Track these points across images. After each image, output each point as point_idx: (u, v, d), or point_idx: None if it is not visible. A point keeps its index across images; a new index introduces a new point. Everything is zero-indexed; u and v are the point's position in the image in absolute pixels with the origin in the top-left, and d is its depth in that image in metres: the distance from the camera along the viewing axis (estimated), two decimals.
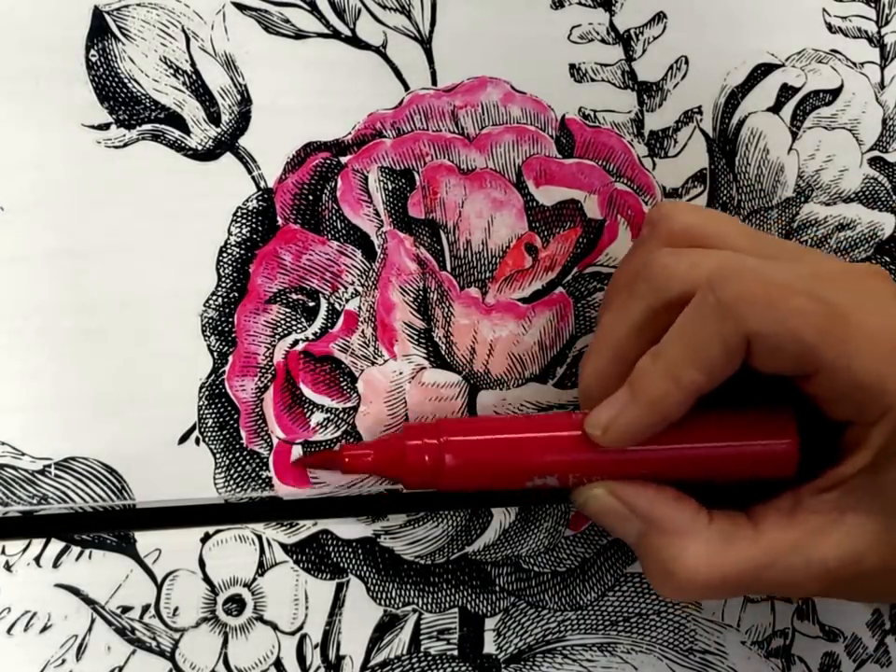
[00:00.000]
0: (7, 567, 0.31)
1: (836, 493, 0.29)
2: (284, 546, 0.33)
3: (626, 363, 0.30)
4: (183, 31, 0.32)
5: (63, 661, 0.32)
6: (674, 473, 0.31)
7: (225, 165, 0.33)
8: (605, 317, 0.32)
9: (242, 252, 0.33)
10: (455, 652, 0.35)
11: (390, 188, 0.34)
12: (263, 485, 0.33)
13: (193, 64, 0.33)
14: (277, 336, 0.33)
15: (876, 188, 0.38)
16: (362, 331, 0.34)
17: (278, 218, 0.33)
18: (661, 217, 0.32)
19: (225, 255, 0.33)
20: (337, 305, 0.34)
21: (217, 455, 0.33)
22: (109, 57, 0.32)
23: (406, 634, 0.35)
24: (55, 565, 0.32)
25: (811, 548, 0.29)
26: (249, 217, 0.33)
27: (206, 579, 0.33)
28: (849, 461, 0.29)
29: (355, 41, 0.34)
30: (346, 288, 0.34)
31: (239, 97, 0.33)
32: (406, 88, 0.34)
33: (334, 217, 0.34)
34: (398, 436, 0.33)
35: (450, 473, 0.31)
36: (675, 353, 0.29)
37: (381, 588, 0.34)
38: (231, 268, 0.33)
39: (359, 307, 0.34)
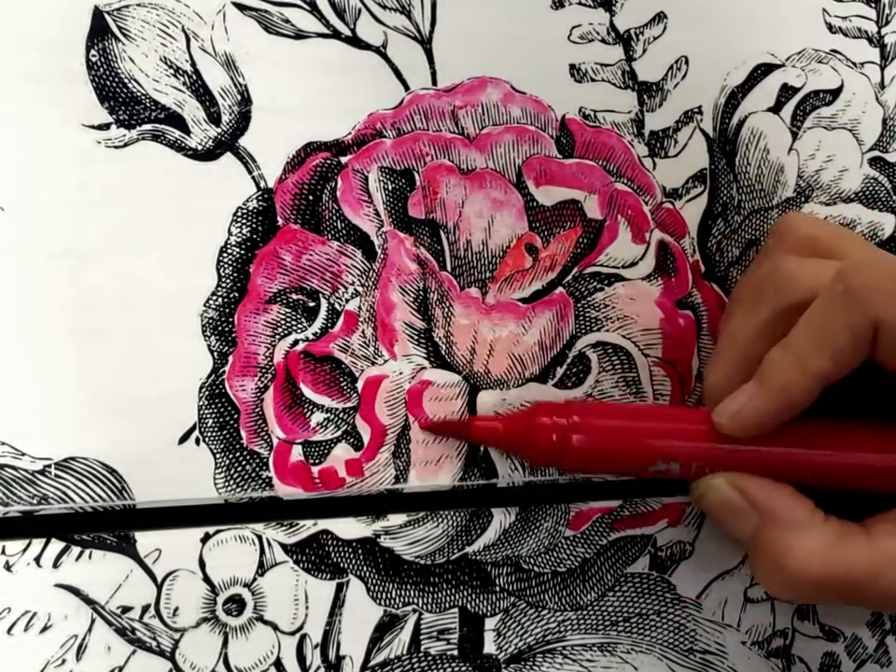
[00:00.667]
0: (7, 567, 0.31)
1: None
2: (284, 546, 0.34)
3: (751, 365, 0.31)
4: (183, 31, 0.32)
5: (63, 661, 0.32)
6: (793, 474, 0.31)
7: (225, 165, 0.33)
8: (730, 322, 0.33)
9: (242, 252, 0.33)
10: (455, 652, 0.35)
11: (390, 188, 0.34)
12: (263, 485, 0.33)
13: (193, 64, 0.33)
14: (277, 336, 0.33)
15: (876, 188, 0.38)
16: (362, 331, 0.34)
17: (278, 218, 0.33)
18: (786, 228, 0.33)
19: (225, 255, 0.33)
20: (337, 305, 0.34)
21: (217, 455, 0.33)
22: (109, 57, 0.32)
23: (406, 634, 0.35)
24: (55, 565, 0.32)
25: None
26: (249, 217, 0.33)
27: (206, 579, 0.33)
28: None
29: (355, 41, 0.34)
30: (346, 288, 0.34)
31: (239, 97, 0.33)
32: (406, 88, 0.34)
33: (334, 217, 0.34)
34: (526, 412, 0.33)
35: (576, 454, 0.32)
36: (803, 341, 0.29)
37: (381, 588, 0.34)
38: (231, 268, 0.33)
39: (359, 307, 0.34)
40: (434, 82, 0.34)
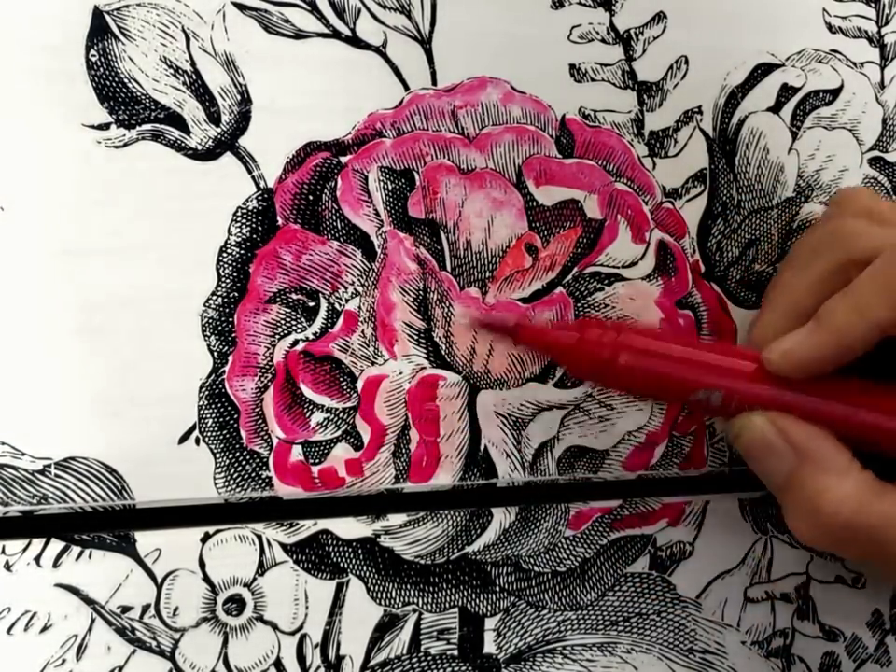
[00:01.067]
0: (7, 566, 0.31)
1: None
2: (284, 546, 0.34)
3: (803, 317, 0.31)
4: (183, 31, 0.32)
5: (63, 661, 0.32)
6: (832, 428, 0.31)
7: (225, 165, 0.33)
8: (782, 276, 0.33)
9: (242, 252, 0.33)
10: (455, 652, 0.35)
11: (390, 188, 0.34)
12: (263, 485, 0.33)
13: (193, 64, 0.33)
14: (277, 336, 0.33)
15: (876, 188, 0.38)
16: (362, 331, 0.34)
17: (278, 218, 0.33)
18: (848, 197, 0.33)
19: (225, 255, 0.33)
20: (337, 305, 0.34)
21: (217, 455, 0.33)
22: (109, 57, 0.32)
23: (406, 634, 0.35)
24: (55, 565, 0.32)
25: None
26: (249, 217, 0.33)
27: (206, 579, 0.33)
28: None
29: (355, 41, 0.34)
30: (346, 288, 0.34)
31: (239, 97, 0.33)
32: (406, 88, 0.34)
33: (334, 217, 0.34)
34: (576, 324, 0.33)
35: (622, 370, 0.31)
36: (866, 289, 0.29)
37: (381, 588, 0.34)
38: (230, 268, 0.33)
39: (359, 307, 0.34)
40: (434, 82, 0.34)
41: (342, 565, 0.34)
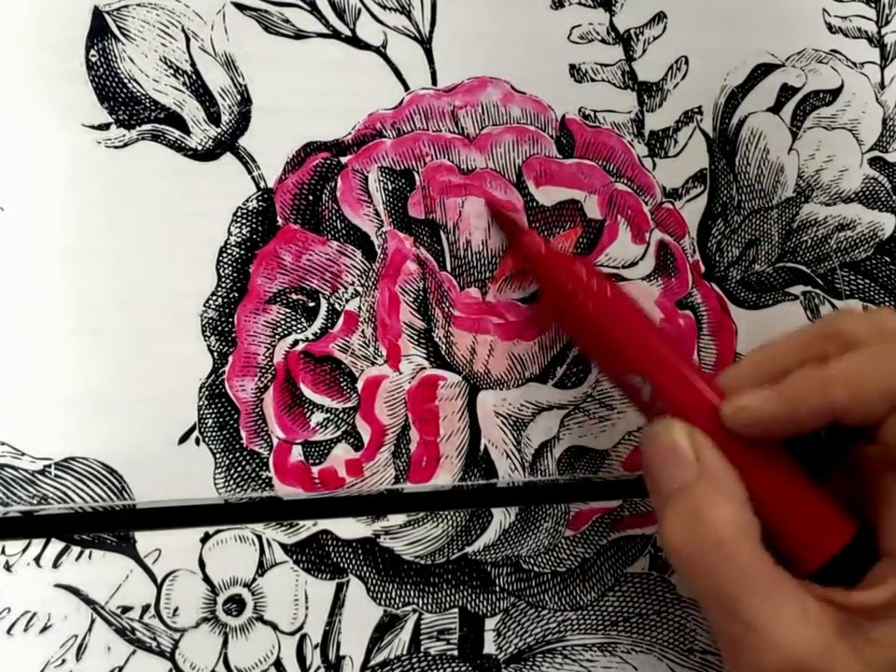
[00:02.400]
0: (7, 567, 0.31)
1: (842, 616, 0.29)
2: (284, 546, 0.34)
3: (773, 373, 0.31)
4: (183, 31, 0.32)
5: (63, 661, 0.32)
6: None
7: (225, 165, 0.33)
8: (775, 338, 0.33)
9: (242, 252, 0.33)
10: (455, 652, 0.35)
11: (390, 188, 0.34)
12: (263, 485, 0.33)
13: (193, 64, 0.33)
14: (277, 336, 0.33)
15: (876, 188, 0.38)
16: (362, 331, 0.34)
17: (278, 218, 0.33)
18: (870, 308, 0.34)
19: (225, 255, 0.33)
20: (337, 305, 0.34)
21: (217, 455, 0.33)
22: (109, 57, 0.32)
23: (406, 634, 0.35)
24: (55, 565, 0.32)
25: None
26: (249, 217, 0.33)
27: (206, 579, 0.33)
28: (869, 592, 0.29)
29: (355, 41, 0.34)
30: (346, 288, 0.34)
31: (239, 97, 0.33)
32: (406, 88, 0.34)
33: (334, 217, 0.34)
34: (572, 257, 0.34)
35: (594, 311, 0.31)
36: (836, 372, 0.30)
37: (381, 588, 0.34)
38: (230, 268, 0.33)
39: (359, 307, 0.34)
40: (434, 82, 0.34)
41: (342, 565, 0.34)
